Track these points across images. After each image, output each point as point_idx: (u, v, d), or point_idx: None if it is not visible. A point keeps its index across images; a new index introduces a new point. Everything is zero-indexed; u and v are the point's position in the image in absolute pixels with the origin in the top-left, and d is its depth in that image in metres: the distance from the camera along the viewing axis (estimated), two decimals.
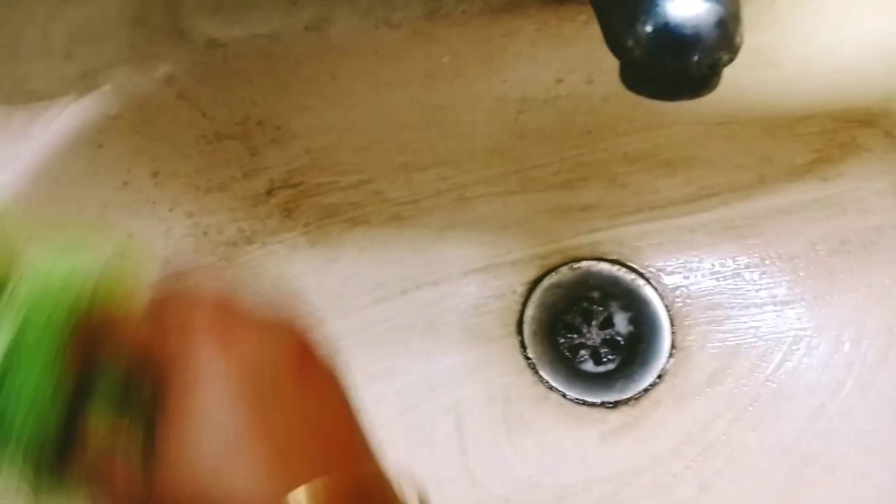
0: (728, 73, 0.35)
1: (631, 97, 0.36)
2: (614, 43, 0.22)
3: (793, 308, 0.40)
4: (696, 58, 0.20)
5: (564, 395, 0.40)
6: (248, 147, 0.34)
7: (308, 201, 0.38)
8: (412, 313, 0.41)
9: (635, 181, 0.41)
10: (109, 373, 0.23)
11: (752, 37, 0.33)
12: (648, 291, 0.42)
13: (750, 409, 0.39)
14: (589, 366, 0.41)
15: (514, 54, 0.32)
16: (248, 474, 0.23)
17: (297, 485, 0.22)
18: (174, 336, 0.24)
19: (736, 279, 0.42)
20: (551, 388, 0.41)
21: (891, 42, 0.35)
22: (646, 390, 0.40)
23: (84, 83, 0.29)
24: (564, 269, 0.43)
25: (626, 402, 0.40)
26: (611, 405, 0.40)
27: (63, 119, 0.29)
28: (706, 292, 0.42)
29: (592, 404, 0.40)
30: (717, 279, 0.42)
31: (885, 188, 0.40)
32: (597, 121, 0.38)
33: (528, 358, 0.41)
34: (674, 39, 0.20)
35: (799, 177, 0.40)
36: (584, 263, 0.43)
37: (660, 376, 0.40)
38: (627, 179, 0.41)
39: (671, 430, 0.39)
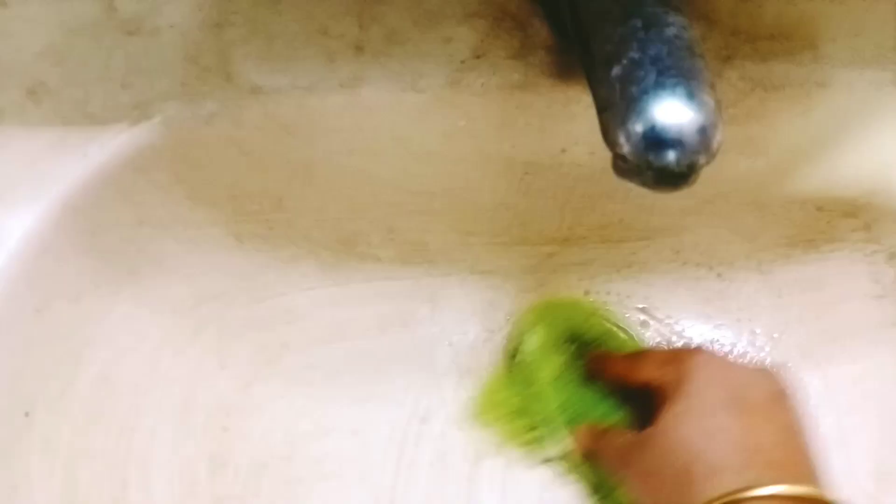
0: (718, 157, 0.39)
1: None
2: (607, 136, 0.25)
3: None
4: (677, 158, 0.24)
5: None
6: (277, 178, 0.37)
7: (325, 236, 0.41)
8: (413, 344, 0.43)
9: (628, 245, 0.44)
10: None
11: (744, 128, 0.37)
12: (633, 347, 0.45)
13: None
14: None
15: (524, 124, 0.35)
16: (723, 457, 0.31)
17: (758, 481, 0.29)
18: (675, 366, 0.35)
19: (715, 345, 0.44)
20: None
21: (878, 141, 0.38)
22: None
23: (137, 112, 0.33)
24: None
25: None
26: None
27: (116, 143, 0.32)
28: None
29: None
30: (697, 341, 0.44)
31: (862, 275, 0.43)
32: (596, 188, 0.41)
33: None
34: (658, 141, 0.23)
35: (782, 256, 0.43)
36: None
37: None
38: (621, 242, 0.44)
39: None
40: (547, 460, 0.41)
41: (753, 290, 0.44)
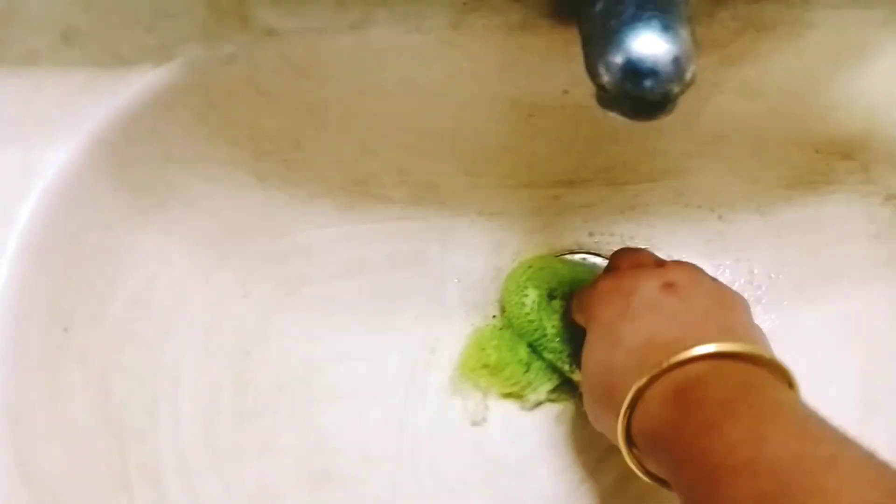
0: (717, 99, 0.40)
1: None
2: (589, 68, 0.27)
3: (760, 317, 0.45)
4: (651, 87, 0.25)
5: None
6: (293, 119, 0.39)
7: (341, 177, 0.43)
8: (422, 280, 0.46)
9: (632, 188, 0.46)
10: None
11: (739, 68, 0.38)
12: None
13: None
14: None
15: (525, 65, 0.37)
16: (624, 360, 0.33)
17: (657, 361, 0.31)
18: (585, 300, 0.39)
19: None
20: None
21: (871, 82, 0.39)
22: None
23: (161, 54, 0.35)
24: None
25: None
26: None
27: (142, 83, 0.35)
28: None
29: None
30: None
31: (858, 216, 0.44)
32: (599, 130, 0.43)
33: None
34: (634, 71, 0.25)
35: (781, 198, 0.45)
36: (580, 256, 0.47)
37: None
38: (626, 185, 0.46)
39: None
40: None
41: (753, 232, 0.46)
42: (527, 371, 0.43)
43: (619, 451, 0.33)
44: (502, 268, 0.47)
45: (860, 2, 0.35)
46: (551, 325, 0.43)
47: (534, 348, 0.44)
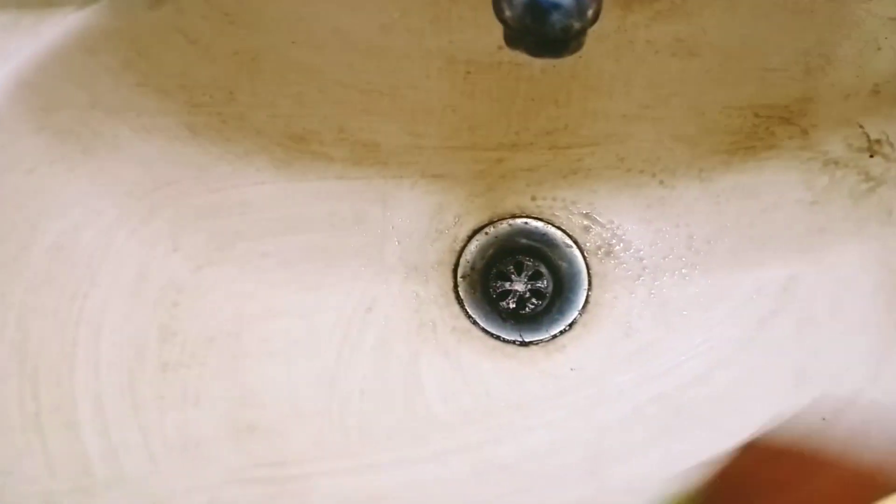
0: (652, 59, 0.40)
1: (566, 70, 0.41)
2: (495, 7, 0.27)
3: (697, 282, 0.45)
4: (552, 22, 0.25)
5: (485, 330, 0.45)
6: (226, 69, 0.39)
7: (278, 133, 0.43)
8: (363, 240, 0.46)
9: (574, 151, 0.46)
10: None
11: (668, 25, 0.38)
12: (574, 251, 0.47)
13: (645, 368, 0.44)
14: (513, 309, 0.46)
15: (458, 18, 0.37)
16: None
17: None
18: None
19: (653, 248, 0.46)
20: (475, 322, 0.46)
21: (806, 43, 0.39)
22: (554, 336, 0.45)
23: None
24: (504, 224, 0.47)
25: (536, 343, 0.45)
26: (522, 344, 0.45)
27: (66, 24, 0.34)
28: (625, 259, 0.46)
29: (507, 341, 0.45)
30: (637, 248, 0.46)
31: (796, 181, 0.44)
32: (538, 90, 0.42)
33: (458, 295, 0.46)
34: (535, 7, 0.25)
35: (721, 164, 0.45)
36: (522, 220, 0.47)
37: (570, 325, 0.45)
38: (568, 149, 0.46)
39: (571, 374, 0.44)
40: None
41: (693, 197, 0.45)
42: None
43: None
44: (443, 230, 0.47)
45: None
46: None
47: None
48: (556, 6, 0.25)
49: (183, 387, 0.38)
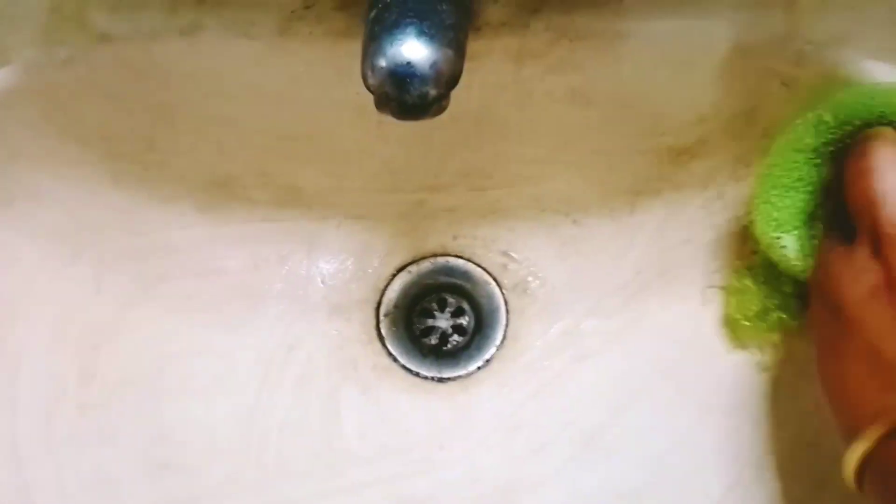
0: (553, 107, 0.42)
1: (472, 118, 0.43)
2: (362, 74, 0.28)
3: (611, 316, 0.47)
4: (409, 90, 0.27)
5: (404, 367, 0.47)
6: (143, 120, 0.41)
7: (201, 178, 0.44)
8: (286, 280, 0.47)
9: (491, 193, 0.48)
10: None
11: (564, 77, 0.40)
12: (493, 288, 0.48)
13: (557, 401, 0.45)
14: (434, 346, 0.48)
15: (358, 73, 0.39)
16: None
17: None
18: None
19: (569, 285, 0.48)
20: (395, 359, 0.47)
21: (694, 93, 0.41)
22: (471, 372, 0.47)
23: (1, 57, 0.37)
24: (426, 262, 0.49)
25: (455, 378, 0.47)
26: (440, 380, 0.46)
27: None
28: (541, 295, 0.48)
29: (426, 377, 0.47)
30: (552, 285, 0.48)
31: (699, 222, 0.46)
32: (450, 136, 0.44)
33: (380, 333, 0.48)
34: (392, 74, 0.27)
35: (628, 203, 0.46)
36: (444, 259, 0.49)
37: (487, 361, 0.47)
38: (486, 190, 0.48)
39: (487, 406, 0.45)
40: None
41: (605, 236, 0.47)
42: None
43: None
44: (367, 269, 0.48)
45: (669, 13, 0.37)
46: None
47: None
48: (412, 76, 0.27)
49: (100, 426, 0.40)
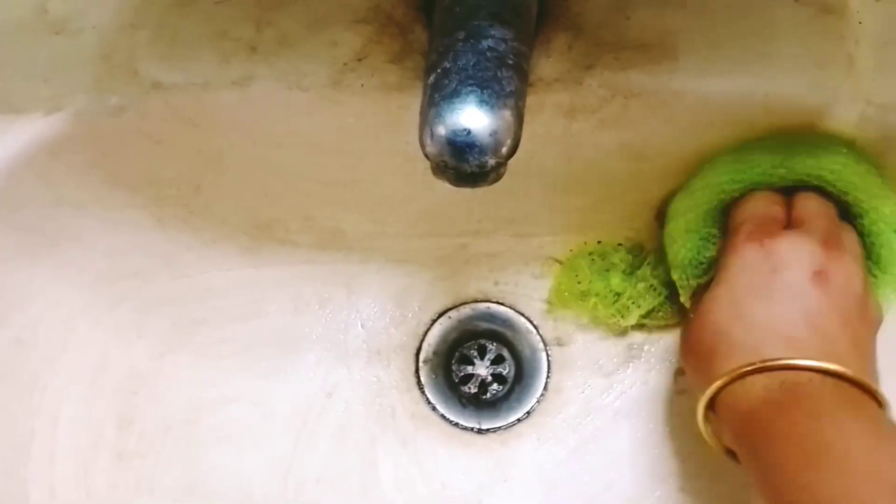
0: (606, 160, 0.41)
1: (520, 169, 0.42)
2: (420, 142, 0.28)
3: (655, 372, 0.45)
4: (467, 159, 0.26)
5: (443, 417, 0.46)
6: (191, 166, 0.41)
7: (244, 221, 0.44)
8: (325, 325, 0.47)
9: (535, 240, 0.47)
10: None
11: (616, 133, 0.39)
12: (534, 338, 0.47)
13: (594, 455, 0.44)
14: (474, 395, 0.47)
15: (410, 123, 0.38)
16: (742, 337, 0.33)
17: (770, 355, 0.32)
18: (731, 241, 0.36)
19: (602, 343, 0.47)
20: (434, 408, 0.46)
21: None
22: (512, 424, 0.46)
23: (52, 104, 0.36)
24: (467, 308, 0.48)
25: (494, 430, 0.46)
26: (479, 431, 0.46)
27: (30, 130, 0.36)
28: (582, 349, 0.47)
29: (465, 428, 0.46)
30: (593, 341, 0.47)
31: None
32: (496, 185, 0.43)
33: (419, 380, 0.47)
34: (451, 143, 0.26)
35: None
36: (484, 304, 0.48)
37: (528, 413, 0.46)
38: (528, 237, 0.47)
39: (527, 461, 0.44)
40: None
41: None
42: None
43: None
44: (407, 314, 0.48)
45: (725, 71, 0.36)
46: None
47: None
48: (471, 146, 0.26)
49: (137, 476, 0.39)
